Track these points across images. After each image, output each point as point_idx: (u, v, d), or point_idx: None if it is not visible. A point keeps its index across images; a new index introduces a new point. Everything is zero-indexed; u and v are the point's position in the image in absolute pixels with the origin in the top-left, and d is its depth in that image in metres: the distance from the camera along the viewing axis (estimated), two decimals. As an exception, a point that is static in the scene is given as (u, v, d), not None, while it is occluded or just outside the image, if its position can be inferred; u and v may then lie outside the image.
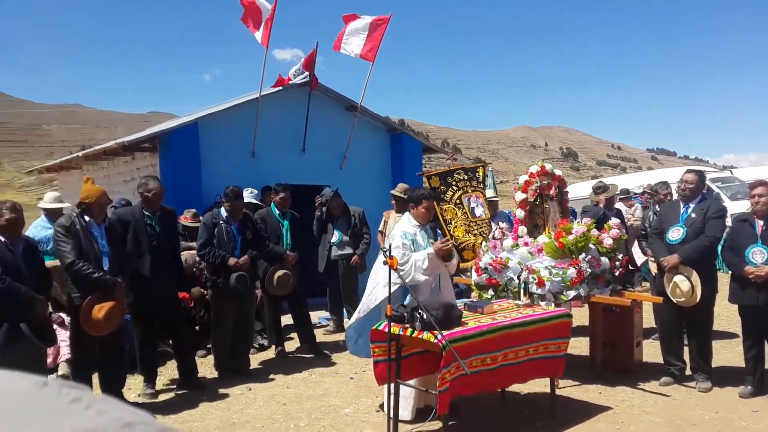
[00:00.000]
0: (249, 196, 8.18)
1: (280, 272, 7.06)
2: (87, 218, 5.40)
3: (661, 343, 6.36)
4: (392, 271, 4.72)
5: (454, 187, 7.33)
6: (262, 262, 7.09)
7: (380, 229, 8.68)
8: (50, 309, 6.20)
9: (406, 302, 5.09)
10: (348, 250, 8.31)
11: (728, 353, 6.98)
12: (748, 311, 5.69)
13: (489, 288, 6.26)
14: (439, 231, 5.70)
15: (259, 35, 9.40)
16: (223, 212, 6.61)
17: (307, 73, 10.11)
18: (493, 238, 6.62)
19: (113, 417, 0.49)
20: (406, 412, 5.11)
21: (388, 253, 4.97)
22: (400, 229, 5.37)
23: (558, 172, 6.92)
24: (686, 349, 6.21)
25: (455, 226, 7.29)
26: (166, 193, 6.32)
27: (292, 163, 10.20)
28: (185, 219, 7.94)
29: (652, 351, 6.93)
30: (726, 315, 8.18)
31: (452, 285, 5.94)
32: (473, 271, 6.59)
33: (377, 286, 5.37)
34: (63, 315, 6.64)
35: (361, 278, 8.45)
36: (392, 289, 4.75)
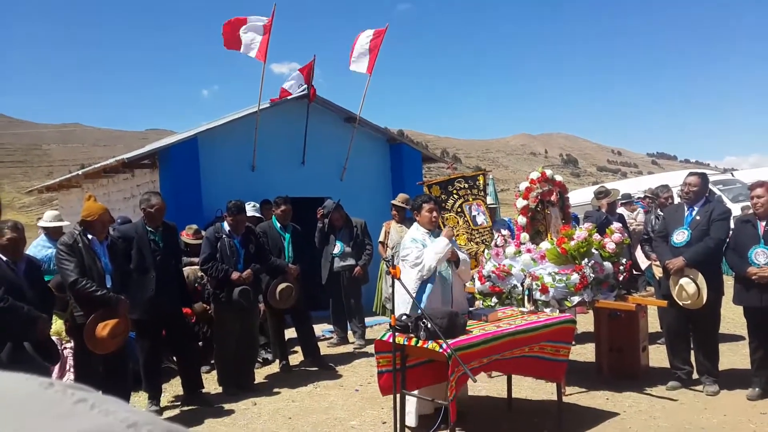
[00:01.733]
0: (251, 209, 8.19)
1: (282, 285, 7.05)
2: (89, 236, 5.40)
3: (667, 347, 6.33)
4: (397, 280, 4.72)
5: (455, 196, 7.34)
6: (264, 275, 7.07)
7: (381, 239, 8.69)
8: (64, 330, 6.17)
9: (409, 311, 5.07)
10: (350, 262, 8.30)
11: (734, 356, 6.95)
12: (753, 313, 5.67)
13: (493, 296, 6.25)
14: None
15: (254, 51, 9.44)
16: (226, 226, 6.62)
17: (305, 85, 10.16)
18: (495, 245, 6.62)
19: (119, 417, 0.50)
20: (410, 417, 5.10)
21: (390, 263, 5.00)
22: (410, 236, 5.44)
23: (559, 177, 6.91)
24: (692, 353, 6.18)
25: (457, 235, 7.28)
26: (167, 208, 6.32)
27: (292, 176, 10.20)
28: (187, 236, 7.94)
29: (658, 356, 6.91)
30: (731, 317, 8.16)
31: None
32: (476, 279, 6.58)
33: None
34: None
35: (364, 290, 8.45)
36: (398, 298, 4.74)
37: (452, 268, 5.34)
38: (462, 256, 5.42)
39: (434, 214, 5.46)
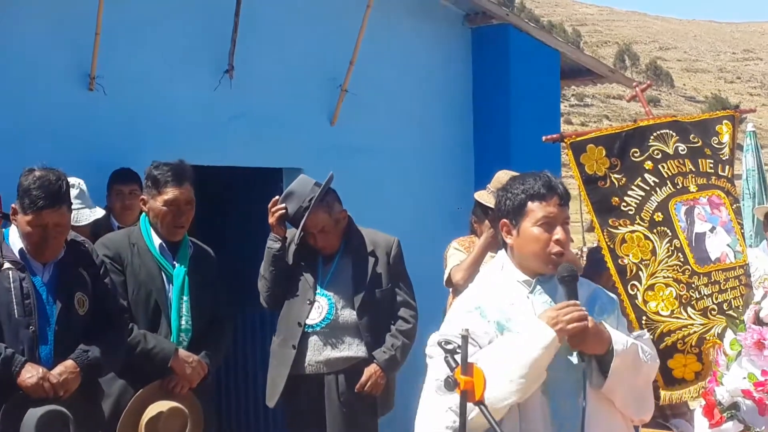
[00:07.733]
0: (80, 200, 3.57)
1: (159, 406, 3.14)
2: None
3: None
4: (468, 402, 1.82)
5: (648, 176, 3.31)
6: (112, 378, 3.11)
7: (448, 279, 3.70)
8: None
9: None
10: (354, 351, 3.50)
11: None
12: None
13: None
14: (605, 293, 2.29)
15: None
16: (14, 240, 2.90)
17: None
18: (757, 321, 2.73)
19: None
20: None
21: (452, 358, 1.85)
22: (476, 297, 2.20)
23: None
24: None
25: (648, 285, 3.24)
26: None
27: (196, 109, 4.35)
28: None
29: None
30: None
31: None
32: (700, 411, 2.85)
33: None
34: None
35: (387, 424, 3.62)
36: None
37: (587, 374, 2.07)
38: (624, 343, 2.10)
39: (565, 236, 2.17)
